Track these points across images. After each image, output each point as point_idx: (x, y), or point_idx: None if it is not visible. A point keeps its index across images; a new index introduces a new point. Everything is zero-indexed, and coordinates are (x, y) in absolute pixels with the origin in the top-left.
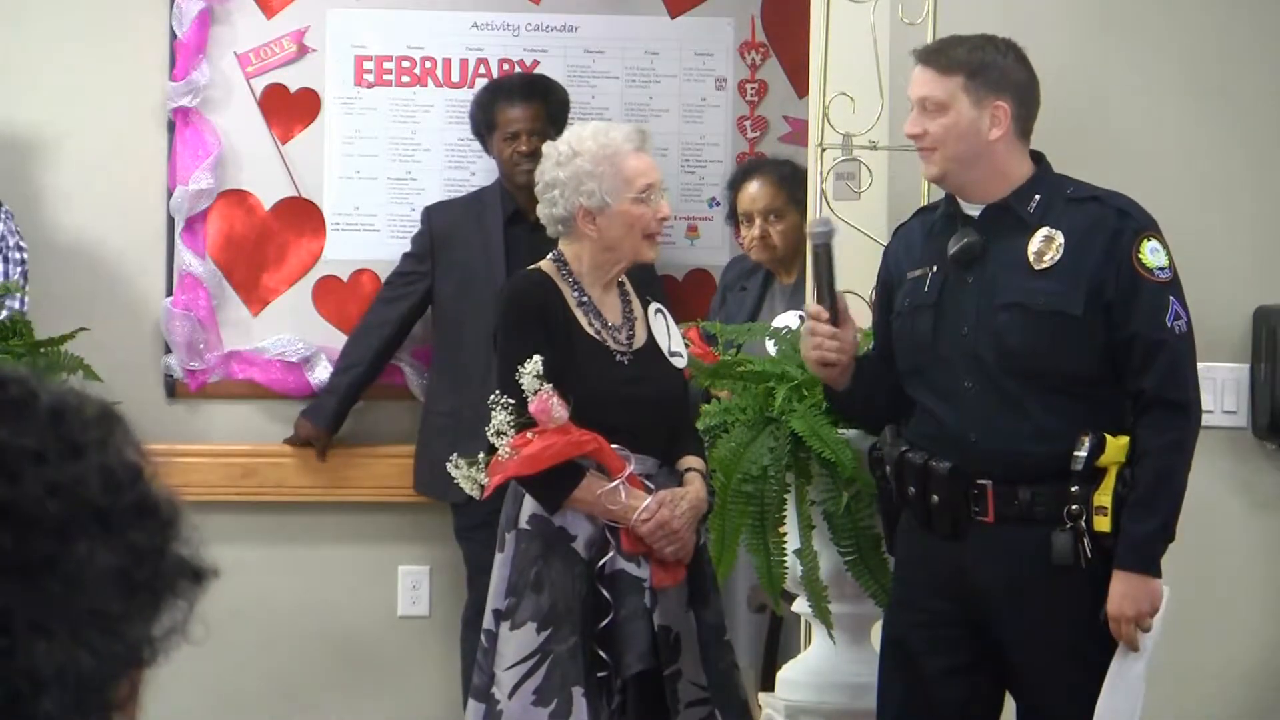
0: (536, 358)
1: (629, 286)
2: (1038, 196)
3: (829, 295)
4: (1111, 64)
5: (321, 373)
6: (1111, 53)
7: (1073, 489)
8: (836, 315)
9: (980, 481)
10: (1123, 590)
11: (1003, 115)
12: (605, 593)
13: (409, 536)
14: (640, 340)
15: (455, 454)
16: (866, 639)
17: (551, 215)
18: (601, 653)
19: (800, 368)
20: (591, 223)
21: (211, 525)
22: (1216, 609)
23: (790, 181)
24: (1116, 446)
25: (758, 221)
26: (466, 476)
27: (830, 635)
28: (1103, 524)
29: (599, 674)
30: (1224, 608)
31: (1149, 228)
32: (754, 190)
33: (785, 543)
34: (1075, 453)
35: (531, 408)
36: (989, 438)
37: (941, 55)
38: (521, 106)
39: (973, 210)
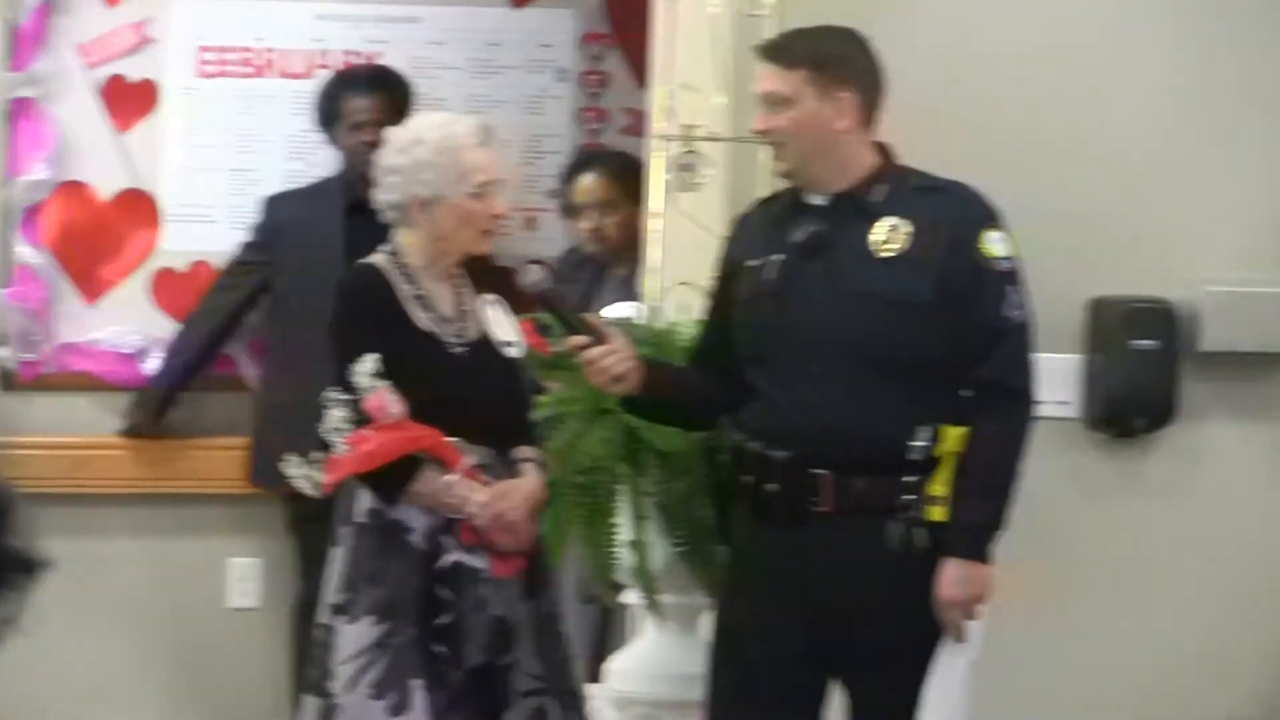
0: (369, 356)
1: (464, 278)
2: (882, 187)
3: (579, 325)
4: (952, 53)
5: (156, 364)
6: (955, 42)
7: (909, 478)
8: (597, 334)
9: (817, 471)
10: (953, 575)
11: (849, 106)
12: (444, 586)
13: (240, 528)
14: (475, 332)
15: (292, 453)
16: (696, 630)
17: (387, 201)
18: (440, 645)
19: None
20: (425, 212)
21: (44, 517)
22: (1047, 598)
23: (624, 174)
24: (954, 436)
25: (591, 214)
26: (304, 475)
27: (661, 626)
28: (937, 514)
29: (438, 666)
30: (1054, 597)
31: (992, 218)
32: (587, 183)
33: (618, 534)
34: (912, 442)
35: (367, 405)
36: (828, 427)
37: (784, 50)
38: (367, 97)
39: (818, 200)
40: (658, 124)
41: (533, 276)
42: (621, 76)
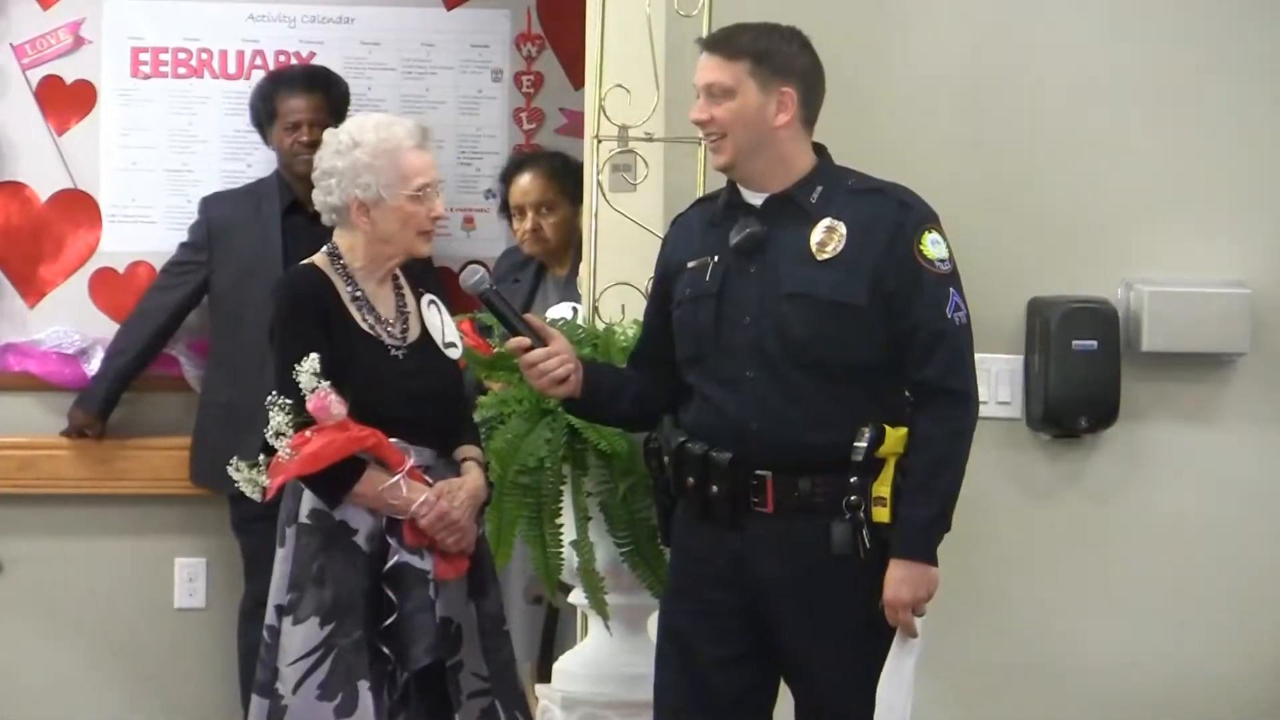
0: (312, 356)
1: (403, 280)
2: (820, 188)
3: (520, 326)
4: (889, 55)
5: (98, 364)
6: (892, 42)
7: (852, 479)
8: (537, 335)
9: (760, 472)
10: (900, 576)
11: (789, 101)
12: (388, 588)
13: (185, 528)
14: (415, 333)
15: (236, 454)
16: (643, 630)
17: (326, 203)
18: (384, 647)
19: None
20: (365, 215)
21: None
22: (989, 600)
23: (562, 174)
24: (896, 437)
25: (529, 214)
26: (247, 479)
27: (607, 626)
28: (881, 515)
29: (385, 667)
30: (997, 598)
31: (930, 220)
32: (525, 183)
33: (562, 534)
34: (855, 443)
35: (309, 406)
36: (769, 427)
37: (727, 42)
38: (303, 97)
39: (755, 200)
40: (592, 124)
41: (473, 277)
42: (556, 76)
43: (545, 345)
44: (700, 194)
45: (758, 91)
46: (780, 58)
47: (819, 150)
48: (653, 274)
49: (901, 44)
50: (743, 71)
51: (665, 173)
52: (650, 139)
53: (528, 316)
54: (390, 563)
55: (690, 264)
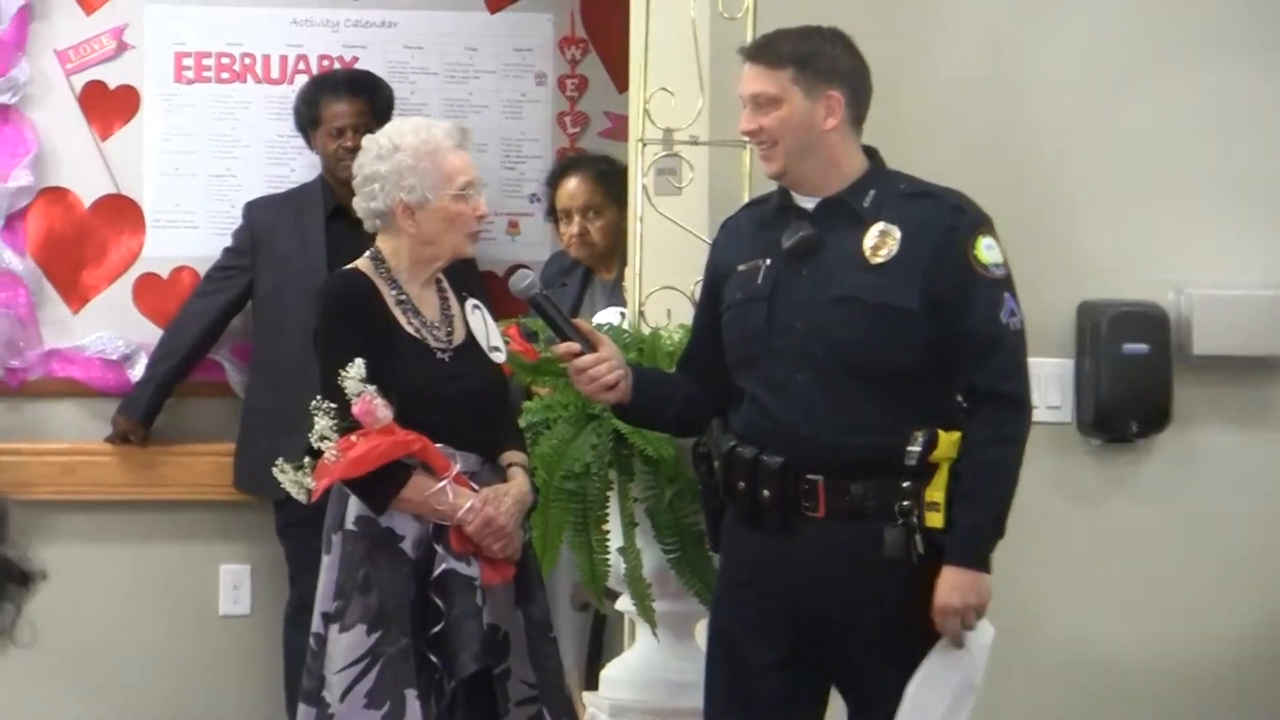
0: (358, 360)
1: (446, 283)
2: (872, 191)
3: (569, 331)
4: (931, 57)
5: (141, 370)
6: (934, 45)
7: (904, 484)
8: (587, 341)
9: (811, 476)
10: (952, 582)
11: (836, 104)
12: (435, 595)
13: (230, 535)
14: (460, 337)
15: (280, 458)
16: (690, 636)
17: (369, 209)
18: (432, 655)
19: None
20: (410, 218)
21: (31, 524)
22: (1037, 605)
23: (609, 178)
24: (949, 442)
25: (576, 218)
26: (293, 480)
27: (654, 633)
28: (935, 520)
29: (433, 675)
30: (1046, 603)
31: (983, 224)
32: (572, 187)
33: (608, 540)
34: (908, 448)
35: (355, 410)
36: (820, 431)
37: (768, 50)
38: (347, 102)
39: (807, 204)
40: (637, 127)
41: (523, 281)
42: (600, 80)
43: (594, 351)
44: (745, 197)
45: (803, 98)
46: (823, 61)
47: (870, 153)
48: (699, 278)
49: (943, 42)
50: (786, 79)
51: (710, 176)
52: (695, 142)
53: (577, 322)
54: (437, 570)
55: (741, 267)
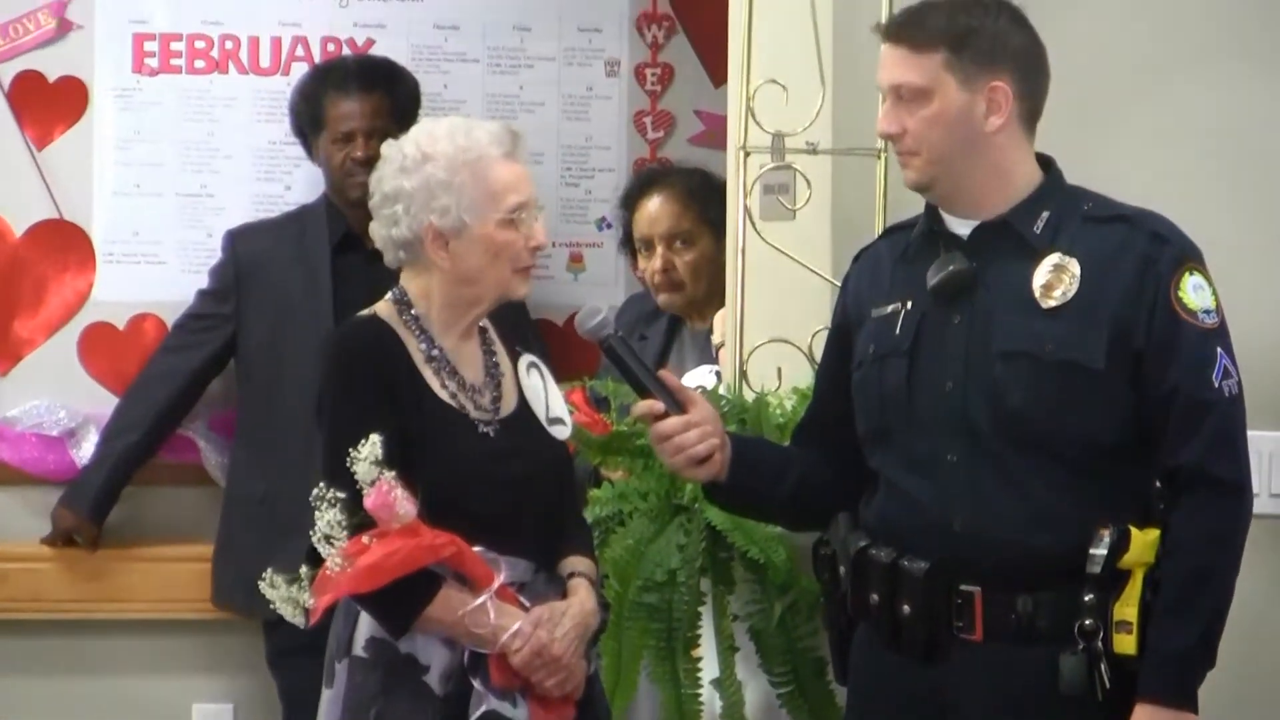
0: (373, 437)
1: (493, 334)
2: (1046, 213)
3: (652, 383)
4: (1129, 34)
5: (90, 449)
6: (1130, 19)
7: (1087, 598)
8: (675, 399)
9: (965, 587)
10: None
11: (1002, 98)
12: None
13: (206, 665)
14: (510, 405)
15: (270, 567)
16: None
17: (390, 238)
18: None
19: None
20: (444, 248)
21: None
22: None
23: (702, 196)
24: (1144, 543)
25: (660, 249)
26: (285, 598)
27: None
28: (1125, 644)
29: None
30: None
31: (1191, 258)
32: (654, 209)
33: (700, 670)
34: (1091, 550)
35: (368, 503)
36: (978, 526)
37: (915, 27)
38: (358, 99)
39: (961, 229)
40: (738, 132)
41: (593, 319)
42: (690, 69)
43: (683, 412)
44: (880, 221)
45: (959, 89)
46: (985, 40)
47: (1046, 164)
48: (820, 327)
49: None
50: (938, 65)
51: (834, 194)
52: (814, 151)
53: (662, 373)
54: (474, 715)
55: (877, 312)
